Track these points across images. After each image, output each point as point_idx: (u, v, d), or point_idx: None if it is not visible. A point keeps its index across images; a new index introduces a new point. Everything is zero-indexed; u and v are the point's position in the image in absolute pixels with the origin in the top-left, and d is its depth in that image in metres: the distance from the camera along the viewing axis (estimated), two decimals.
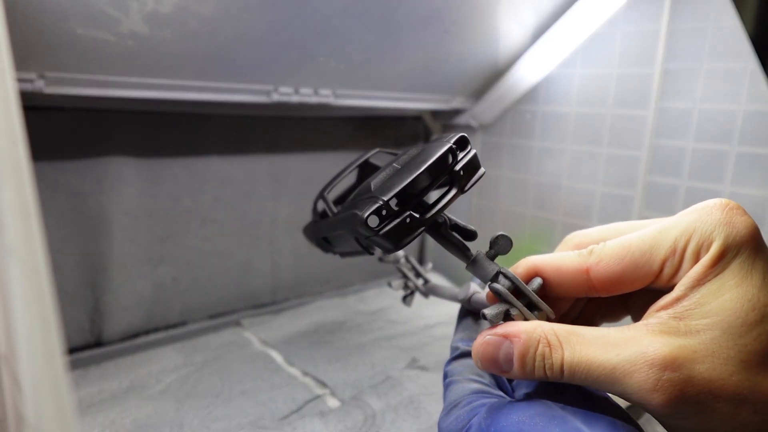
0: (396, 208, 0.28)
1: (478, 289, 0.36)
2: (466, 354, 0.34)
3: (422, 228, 0.29)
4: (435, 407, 0.49)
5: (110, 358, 0.59)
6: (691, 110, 0.58)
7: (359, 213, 0.28)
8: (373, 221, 0.28)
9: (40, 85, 0.47)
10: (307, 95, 0.63)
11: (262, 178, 0.71)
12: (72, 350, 0.59)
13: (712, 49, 0.55)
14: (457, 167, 0.29)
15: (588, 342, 0.26)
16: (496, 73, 0.75)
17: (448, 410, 0.31)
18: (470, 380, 0.32)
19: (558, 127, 0.70)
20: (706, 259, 0.25)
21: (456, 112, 0.81)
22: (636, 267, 0.28)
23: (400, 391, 0.52)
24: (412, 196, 0.29)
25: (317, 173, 0.76)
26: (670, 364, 0.23)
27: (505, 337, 0.28)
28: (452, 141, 0.29)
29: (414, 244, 0.90)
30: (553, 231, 0.72)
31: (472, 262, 0.30)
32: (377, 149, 0.42)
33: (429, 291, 0.44)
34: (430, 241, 0.91)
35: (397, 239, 0.28)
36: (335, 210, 0.36)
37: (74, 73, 0.48)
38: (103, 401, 0.50)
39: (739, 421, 0.24)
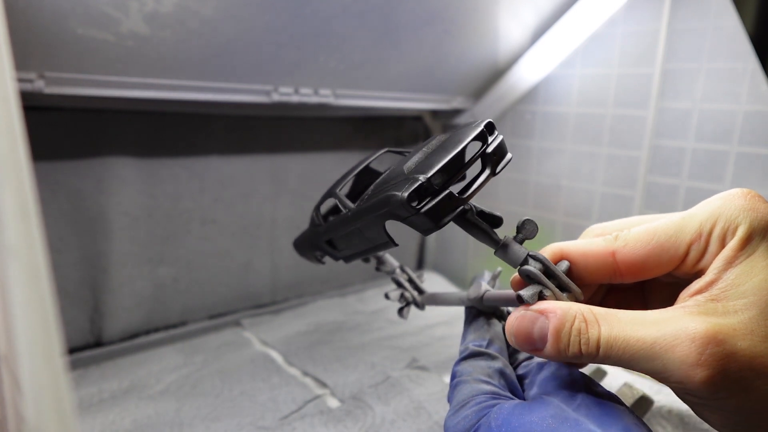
0: (437, 187, 0.28)
1: (489, 287, 0.36)
2: (477, 354, 0.34)
3: (461, 207, 0.29)
4: (435, 407, 0.49)
5: (110, 358, 0.59)
6: (691, 110, 0.58)
7: (398, 193, 0.28)
8: (413, 200, 0.28)
9: (39, 85, 0.47)
10: (307, 95, 0.63)
11: (262, 178, 0.71)
12: (72, 350, 0.59)
13: (712, 49, 0.55)
14: (489, 150, 0.30)
15: (625, 320, 0.26)
16: (496, 73, 0.75)
17: (455, 410, 0.31)
18: (480, 381, 0.32)
19: (558, 127, 0.70)
20: (734, 243, 0.26)
21: (456, 112, 0.81)
22: (662, 250, 0.28)
23: (400, 391, 0.52)
24: (449, 176, 0.29)
25: (317, 173, 0.76)
26: (712, 339, 0.23)
27: (541, 313, 0.28)
28: (482, 125, 0.30)
29: (414, 245, 0.90)
30: (553, 231, 0.72)
31: (501, 247, 0.30)
32: (386, 149, 0.41)
33: (426, 301, 0.43)
34: (430, 244, 0.91)
35: (438, 218, 0.28)
36: (351, 205, 0.34)
37: (74, 73, 0.48)
38: (103, 401, 0.50)
39: None
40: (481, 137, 0.30)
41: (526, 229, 0.30)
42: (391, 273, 0.45)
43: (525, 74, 0.72)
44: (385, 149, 0.40)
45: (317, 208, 0.41)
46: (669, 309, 0.26)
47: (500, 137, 0.31)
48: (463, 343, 0.36)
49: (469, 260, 0.84)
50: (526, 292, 0.28)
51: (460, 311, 0.72)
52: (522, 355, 0.36)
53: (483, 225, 0.31)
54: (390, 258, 0.45)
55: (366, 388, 0.52)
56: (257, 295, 0.73)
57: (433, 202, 0.28)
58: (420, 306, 0.44)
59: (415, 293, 0.44)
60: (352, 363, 0.58)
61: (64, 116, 0.56)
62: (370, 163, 0.41)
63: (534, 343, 0.28)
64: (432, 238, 0.91)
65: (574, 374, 0.30)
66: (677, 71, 0.58)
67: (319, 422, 0.47)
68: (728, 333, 0.24)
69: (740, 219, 0.26)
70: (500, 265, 0.40)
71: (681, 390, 0.26)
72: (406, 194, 0.27)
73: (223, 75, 0.56)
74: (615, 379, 0.56)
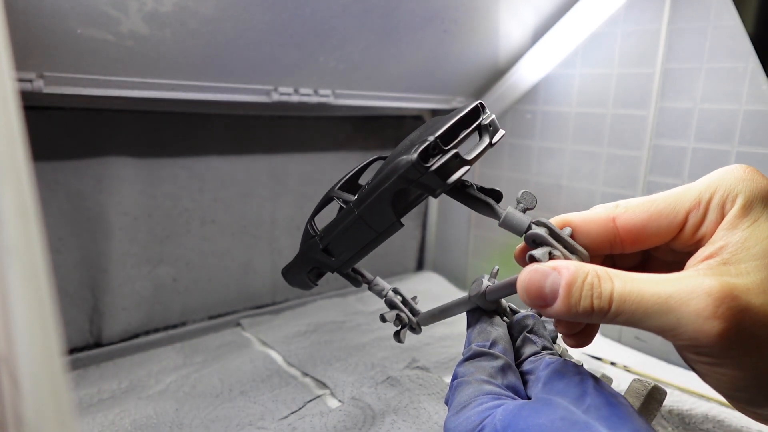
0: (444, 147, 0.30)
1: (489, 283, 0.35)
2: (480, 354, 0.33)
3: (467, 168, 0.30)
4: (435, 407, 0.49)
5: (110, 359, 0.59)
6: (692, 110, 0.58)
7: (407, 156, 0.30)
8: (424, 159, 0.29)
9: (39, 85, 0.47)
10: (307, 95, 0.63)
11: (262, 178, 0.71)
12: (72, 350, 0.59)
13: (712, 49, 0.55)
14: (486, 122, 0.32)
15: (639, 278, 0.26)
16: (496, 73, 0.75)
17: (457, 410, 0.31)
18: (482, 381, 0.32)
19: (558, 127, 0.70)
20: (736, 209, 0.27)
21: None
22: (661, 216, 0.29)
23: (400, 391, 0.51)
24: (452, 141, 0.30)
25: (317, 173, 0.76)
26: (728, 294, 0.24)
27: (552, 269, 0.28)
28: (476, 103, 0.32)
29: (414, 245, 0.90)
30: None
31: (505, 218, 0.31)
32: (376, 156, 0.40)
33: (424, 321, 0.42)
34: (430, 244, 0.91)
35: (446, 175, 0.30)
36: (352, 197, 0.35)
37: (74, 72, 0.48)
38: (103, 401, 0.50)
39: None
40: (475, 113, 0.32)
41: (525, 200, 0.31)
42: (383, 296, 0.43)
43: (525, 74, 0.72)
44: (376, 157, 0.40)
45: (311, 219, 0.40)
46: (681, 272, 0.26)
47: (492, 115, 0.32)
48: (467, 346, 0.35)
49: (470, 260, 0.84)
50: (537, 251, 0.28)
51: None
52: (528, 350, 0.35)
53: (485, 198, 0.32)
54: (381, 280, 0.44)
55: (366, 388, 0.52)
56: (257, 295, 0.73)
57: (442, 160, 0.30)
58: (416, 329, 0.42)
59: (410, 315, 0.43)
60: (352, 363, 0.58)
61: (63, 116, 0.56)
62: (361, 169, 0.40)
63: (545, 298, 0.27)
64: (432, 239, 0.91)
65: (582, 372, 0.30)
66: (677, 71, 0.58)
67: (319, 422, 0.47)
68: (743, 291, 0.24)
69: (739, 189, 0.27)
70: (497, 264, 0.40)
71: (692, 348, 0.25)
72: (416, 154, 0.29)
73: (223, 75, 0.56)
74: (624, 381, 0.56)
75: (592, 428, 0.26)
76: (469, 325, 0.37)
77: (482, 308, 0.37)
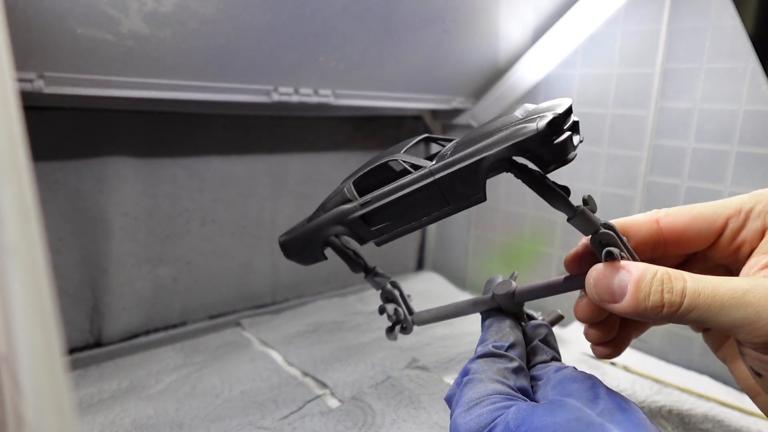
0: (564, 126, 0.30)
1: (516, 285, 0.36)
2: (495, 355, 0.33)
3: (575, 154, 0.31)
4: (435, 407, 0.49)
5: (110, 359, 0.59)
6: (692, 110, 0.58)
7: (530, 124, 0.29)
8: (551, 130, 0.29)
9: (39, 85, 0.47)
10: (307, 95, 0.63)
11: (262, 178, 0.71)
12: (72, 350, 0.59)
13: (712, 49, 0.55)
14: (576, 119, 0.32)
15: (708, 277, 0.27)
16: (496, 73, 0.75)
17: (467, 407, 0.30)
18: (494, 380, 0.32)
19: None
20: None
21: (456, 112, 0.81)
22: (702, 218, 0.31)
23: (400, 391, 0.52)
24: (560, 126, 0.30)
25: (317, 173, 0.76)
26: None
27: (622, 267, 0.29)
28: (570, 102, 0.33)
29: (414, 245, 0.90)
30: (553, 231, 0.72)
31: (579, 214, 0.31)
32: (425, 135, 0.38)
33: (419, 321, 0.41)
34: (430, 244, 0.91)
35: (564, 153, 0.30)
36: (428, 163, 0.33)
37: (74, 73, 0.48)
38: (103, 401, 0.50)
39: None
40: (570, 111, 0.32)
41: (591, 203, 0.32)
42: (382, 285, 0.41)
43: (525, 74, 0.72)
44: (425, 135, 0.38)
45: (352, 182, 0.36)
46: (751, 276, 0.28)
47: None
48: (483, 344, 0.35)
49: (470, 260, 0.84)
50: (615, 249, 0.29)
51: None
52: (538, 358, 0.35)
53: (561, 192, 0.32)
54: (381, 272, 0.42)
55: (366, 388, 0.52)
56: (257, 295, 0.73)
57: (564, 137, 0.29)
58: (408, 328, 0.40)
59: (407, 313, 0.41)
60: (352, 363, 0.58)
61: (63, 116, 0.56)
62: (407, 149, 0.37)
63: (613, 294, 0.28)
64: (432, 238, 0.91)
65: (593, 378, 0.30)
66: (677, 71, 0.58)
67: (319, 422, 0.47)
68: None
69: None
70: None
71: (761, 345, 0.26)
72: (544, 122, 0.28)
73: (223, 75, 0.56)
74: (624, 381, 0.56)
75: (607, 430, 0.26)
76: (486, 324, 0.37)
77: (502, 309, 0.37)
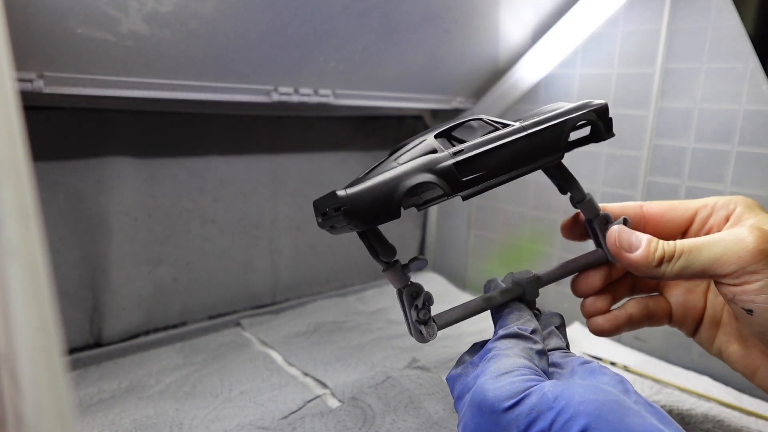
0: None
1: (532, 271, 0.40)
2: (520, 336, 0.34)
3: (613, 135, 0.40)
4: (435, 407, 0.49)
5: (110, 359, 0.59)
6: (691, 110, 0.58)
7: (599, 101, 0.39)
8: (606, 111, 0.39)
9: (39, 85, 0.47)
10: (307, 95, 0.63)
11: (262, 178, 0.71)
12: (72, 350, 0.59)
13: (712, 49, 0.55)
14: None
15: (691, 239, 0.36)
16: (496, 73, 0.75)
17: (495, 375, 0.31)
18: (521, 356, 0.32)
19: None
20: (740, 208, 0.38)
21: (456, 112, 0.81)
22: (676, 208, 0.40)
23: (401, 391, 0.52)
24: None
25: (317, 173, 0.76)
26: (760, 228, 0.34)
27: (635, 232, 0.37)
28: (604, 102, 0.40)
29: (414, 245, 0.90)
30: (553, 231, 0.72)
31: (588, 199, 0.40)
32: (481, 115, 0.39)
33: (442, 324, 0.38)
34: (430, 243, 0.91)
35: (611, 128, 0.40)
36: (509, 122, 0.37)
37: (74, 72, 0.48)
38: (103, 401, 0.50)
39: None
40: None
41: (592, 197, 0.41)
42: (405, 282, 0.37)
43: (525, 74, 0.72)
44: (480, 115, 0.38)
45: (450, 132, 0.37)
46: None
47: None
48: (505, 327, 0.35)
49: (470, 260, 0.84)
50: (627, 219, 0.39)
51: None
52: (553, 343, 0.36)
53: (574, 177, 0.41)
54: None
55: (366, 388, 0.52)
56: (257, 295, 0.73)
57: (609, 117, 0.40)
58: (431, 334, 0.37)
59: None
60: (352, 363, 0.58)
61: (63, 116, 0.56)
62: (463, 123, 0.38)
63: (631, 245, 0.36)
64: (432, 239, 0.91)
65: (621, 375, 0.31)
66: (677, 71, 0.58)
67: (319, 422, 0.47)
68: None
69: (737, 200, 0.38)
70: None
71: (734, 275, 0.33)
72: (605, 102, 0.39)
73: (223, 75, 0.56)
74: None
75: (646, 418, 0.26)
76: (503, 313, 0.37)
77: (521, 300, 0.38)
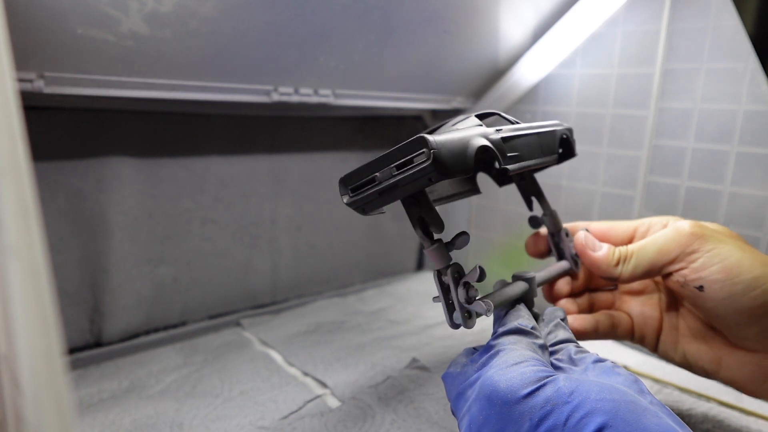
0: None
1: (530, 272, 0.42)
2: (522, 332, 0.34)
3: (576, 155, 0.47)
4: (435, 407, 0.49)
5: (110, 359, 0.59)
6: (691, 110, 0.58)
7: (566, 126, 0.46)
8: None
9: (39, 85, 0.47)
10: (307, 95, 0.63)
11: (262, 178, 0.71)
12: (72, 350, 0.59)
13: (712, 49, 0.55)
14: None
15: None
16: (496, 73, 0.75)
17: (505, 366, 0.30)
18: (527, 349, 0.32)
19: None
20: (673, 220, 0.42)
21: (456, 112, 0.81)
22: (618, 226, 0.44)
23: (400, 391, 0.52)
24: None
25: (317, 173, 0.76)
26: (693, 221, 0.39)
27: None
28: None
29: (414, 245, 0.90)
30: None
31: (553, 215, 0.46)
32: (496, 111, 0.40)
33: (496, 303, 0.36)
34: None
35: (574, 149, 0.46)
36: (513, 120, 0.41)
37: (74, 73, 0.48)
38: (103, 401, 0.50)
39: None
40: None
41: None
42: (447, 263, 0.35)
43: (525, 74, 0.72)
44: (496, 110, 0.41)
45: (500, 113, 0.40)
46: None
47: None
48: (505, 325, 0.35)
49: (470, 260, 0.84)
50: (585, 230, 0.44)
51: None
52: (560, 335, 0.36)
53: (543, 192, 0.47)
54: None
55: (366, 388, 0.52)
56: (257, 295, 0.73)
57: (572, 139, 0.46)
58: (488, 310, 0.34)
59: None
60: (352, 363, 0.58)
61: (63, 116, 0.56)
62: (477, 115, 0.38)
63: (595, 246, 0.41)
64: None
65: (635, 375, 0.31)
66: (677, 71, 0.58)
67: (319, 422, 0.47)
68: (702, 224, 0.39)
69: (672, 218, 0.42)
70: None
71: (677, 261, 0.38)
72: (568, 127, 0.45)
73: (223, 75, 0.56)
74: None
75: (662, 418, 0.26)
76: (499, 312, 0.37)
77: (521, 300, 0.39)
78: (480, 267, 0.33)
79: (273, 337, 0.64)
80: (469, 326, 0.34)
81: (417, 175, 0.31)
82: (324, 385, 0.54)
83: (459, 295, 0.34)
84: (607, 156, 0.66)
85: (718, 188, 0.56)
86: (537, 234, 0.47)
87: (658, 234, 0.40)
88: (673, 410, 0.50)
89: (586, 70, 0.67)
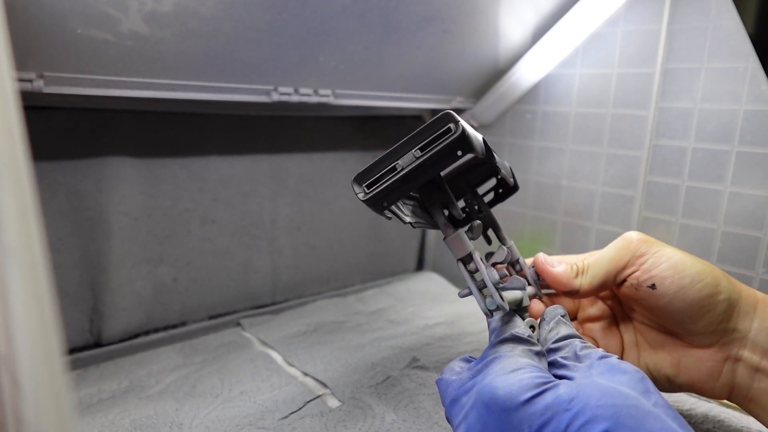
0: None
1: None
2: (518, 340, 0.34)
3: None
4: (435, 407, 0.49)
5: (110, 359, 0.59)
6: (691, 110, 0.58)
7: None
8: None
9: (39, 85, 0.47)
10: (307, 95, 0.63)
11: (262, 178, 0.71)
12: (72, 350, 0.59)
13: (712, 49, 0.55)
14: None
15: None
16: (496, 73, 0.75)
17: (504, 373, 0.30)
18: (524, 357, 0.32)
19: (558, 127, 0.70)
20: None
21: (456, 112, 0.81)
22: (568, 257, 0.44)
23: (400, 391, 0.52)
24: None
25: (317, 173, 0.76)
26: (643, 233, 0.42)
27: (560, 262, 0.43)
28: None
29: (414, 245, 0.90)
30: (554, 231, 0.72)
31: (511, 246, 0.45)
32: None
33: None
34: (430, 243, 0.91)
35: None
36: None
37: (74, 72, 0.48)
38: (103, 401, 0.50)
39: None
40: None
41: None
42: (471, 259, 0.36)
43: (525, 74, 0.72)
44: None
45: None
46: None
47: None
48: (502, 333, 0.35)
49: None
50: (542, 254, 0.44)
51: (460, 311, 0.72)
52: (563, 331, 0.36)
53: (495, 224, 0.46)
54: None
55: (366, 388, 0.52)
56: (257, 295, 0.73)
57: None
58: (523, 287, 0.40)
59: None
60: (352, 363, 0.58)
61: (63, 116, 0.56)
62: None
63: (554, 263, 0.42)
64: (432, 239, 0.91)
65: (642, 372, 0.31)
66: (677, 71, 0.58)
67: (319, 422, 0.47)
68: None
69: None
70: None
71: (630, 266, 0.40)
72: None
73: (223, 75, 0.56)
74: None
75: (666, 422, 0.26)
76: (498, 321, 0.37)
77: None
78: (506, 247, 0.39)
79: (273, 337, 0.64)
80: (504, 308, 0.34)
81: (445, 150, 0.32)
82: (324, 385, 0.54)
83: (491, 276, 0.34)
84: (607, 156, 0.66)
85: (718, 188, 0.56)
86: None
87: (609, 246, 0.41)
88: None
89: (586, 70, 0.66)
